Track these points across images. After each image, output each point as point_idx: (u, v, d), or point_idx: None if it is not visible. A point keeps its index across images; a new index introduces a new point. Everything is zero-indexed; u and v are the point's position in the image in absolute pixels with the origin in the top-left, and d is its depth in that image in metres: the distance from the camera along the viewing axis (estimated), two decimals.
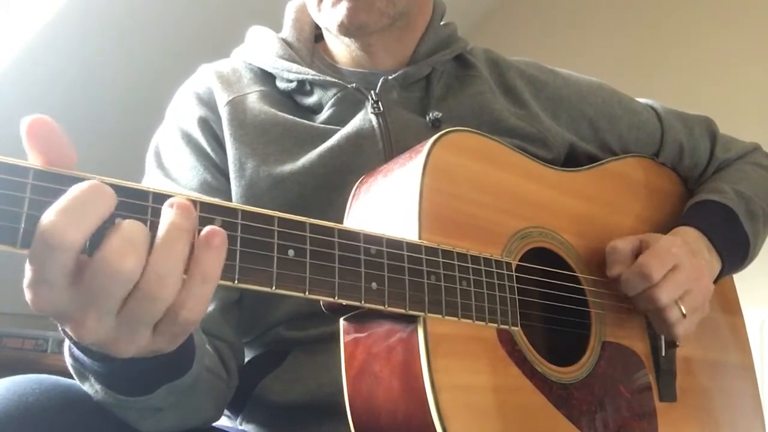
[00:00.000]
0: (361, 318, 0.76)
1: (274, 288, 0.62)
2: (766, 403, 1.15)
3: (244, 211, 0.62)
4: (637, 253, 0.93)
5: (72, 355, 0.68)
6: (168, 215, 0.55)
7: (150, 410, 0.74)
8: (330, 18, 1.02)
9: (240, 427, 0.99)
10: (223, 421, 1.00)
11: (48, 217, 0.51)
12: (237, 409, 0.99)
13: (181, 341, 0.61)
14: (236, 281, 0.60)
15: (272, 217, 0.63)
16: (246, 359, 1.00)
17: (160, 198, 0.57)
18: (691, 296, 0.92)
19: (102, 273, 0.52)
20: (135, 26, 2.45)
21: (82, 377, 0.72)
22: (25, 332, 2.43)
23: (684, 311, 0.91)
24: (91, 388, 0.72)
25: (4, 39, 2.25)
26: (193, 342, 0.72)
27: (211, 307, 0.92)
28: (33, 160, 0.54)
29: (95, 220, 0.52)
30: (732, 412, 1.07)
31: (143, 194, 0.56)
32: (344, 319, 0.77)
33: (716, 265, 1.04)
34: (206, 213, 0.59)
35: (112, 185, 0.55)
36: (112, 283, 0.53)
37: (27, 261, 0.53)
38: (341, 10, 1.00)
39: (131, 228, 0.54)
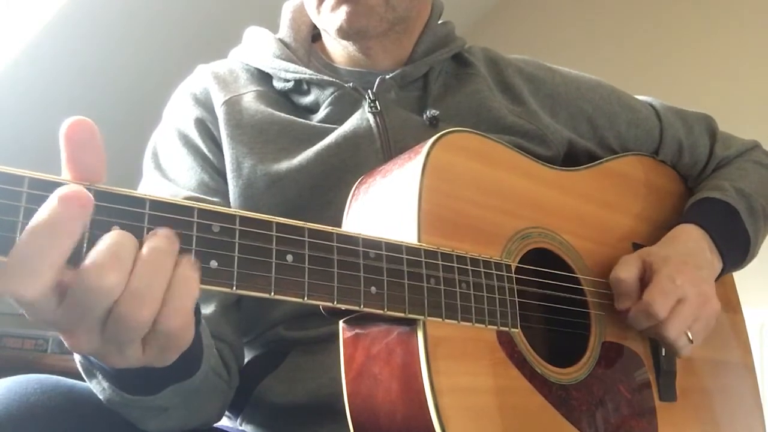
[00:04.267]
0: (360, 320, 0.76)
1: (272, 294, 0.61)
2: (766, 403, 1.15)
3: (242, 217, 0.61)
4: (642, 278, 0.93)
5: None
6: (152, 240, 0.54)
7: (156, 410, 0.74)
8: (329, 22, 1.02)
9: (240, 428, 0.99)
10: (224, 422, 1.00)
11: (22, 239, 0.49)
12: (237, 409, 0.99)
13: (175, 353, 0.60)
14: (234, 288, 0.59)
15: (270, 222, 0.63)
16: (245, 359, 1.00)
17: (157, 205, 0.57)
18: (698, 324, 0.93)
19: (83, 288, 0.51)
20: (134, 27, 2.45)
21: (90, 374, 0.72)
22: (25, 332, 2.43)
23: (691, 338, 0.91)
24: (98, 385, 0.72)
25: (4, 39, 2.25)
26: (202, 343, 0.72)
27: (211, 308, 0.92)
28: (64, 166, 0.54)
29: (70, 239, 0.50)
30: (732, 411, 1.07)
31: (140, 201, 0.56)
32: (344, 321, 0.77)
33: (717, 264, 1.04)
34: (204, 219, 0.59)
35: (108, 193, 0.55)
36: (92, 299, 0.52)
37: None
38: (341, 15, 1.00)
39: (117, 241, 0.52)
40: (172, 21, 2.52)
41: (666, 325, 0.89)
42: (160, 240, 0.54)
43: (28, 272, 0.49)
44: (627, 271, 0.92)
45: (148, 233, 0.55)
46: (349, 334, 0.77)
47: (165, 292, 0.54)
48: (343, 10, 1.00)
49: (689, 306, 0.91)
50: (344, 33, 1.02)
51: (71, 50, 2.37)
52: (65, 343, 0.57)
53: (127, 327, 0.54)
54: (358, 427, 0.75)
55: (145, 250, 0.54)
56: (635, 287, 0.92)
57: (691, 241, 1.01)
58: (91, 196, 0.51)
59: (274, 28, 1.13)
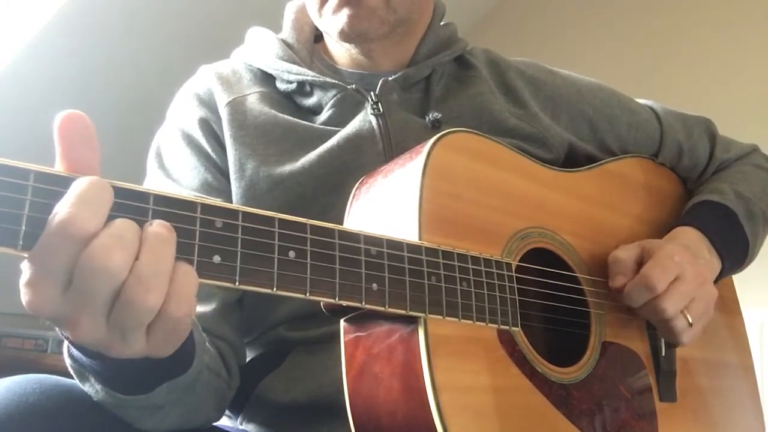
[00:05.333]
0: (361, 319, 0.76)
1: (275, 289, 0.62)
2: (766, 404, 1.15)
3: (244, 213, 0.61)
4: (639, 261, 0.93)
5: (71, 356, 0.68)
6: (153, 227, 0.56)
7: (150, 409, 0.74)
8: (331, 24, 1.02)
9: (240, 427, 0.99)
10: (224, 421, 1.00)
11: (64, 208, 0.51)
12: (237, 408, 0.99)
13: (177, 343, 0.61)
14: (237, 283, 0.60)
15: (272, 218, 0.63)
16: (247, 359, 1.00)
17: (161, 200, 0.57)
18: (696, 304, 0.92)
19: (89, 269, 0.52)
20: (135, 27, 2.45)
21: (82, 377, 0.72)
22: (25, 332, 2.43)
23: (690, 320, 0.91)
24: (91, 388, 0.72)
25: (4, 39, 2.25)
26: (193, 340, 0.72)
27: (211, 307, 0.92)
28: (59, 161, 0.55)
29: (107, 209, 0.53)
30: (732, 412, 1.07)
31: (144, 196, 0.56)
32: (345, 320, 0.77)
33: (716, 266, 1.04)
34: (207, 215, 0.59)
35: (113, 187, 0.55)
36: (98, 280, 0.53)
37: (27, 261, 0.53)
38: (342, 18, 1.00)
39: (121, 225, 0.54)
40: (173, 21, 2.52)
41: (663, 299, 0.89)
42: (160, 228, 0.56)
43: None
44: (625, 252, 0.93)
45: (151, 221, 0.56)
46: (350, 333, 0.77)
47: (169, 277, 0.56)
48: (345, 13, 1.00)
49: (687, 283, 0.91)
50: (346, 36, 1.02)
51: (71, 50, 2.37)
52: (68, 334, 0.57)
53: (134, 312, 0.55)
54: (359, 426, 0.75)
55: (148, 236, 0.55)
56: (632, 266, 0.92)
57: (689, 241, 1.02)
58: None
59: (275, 28, 1.13)
